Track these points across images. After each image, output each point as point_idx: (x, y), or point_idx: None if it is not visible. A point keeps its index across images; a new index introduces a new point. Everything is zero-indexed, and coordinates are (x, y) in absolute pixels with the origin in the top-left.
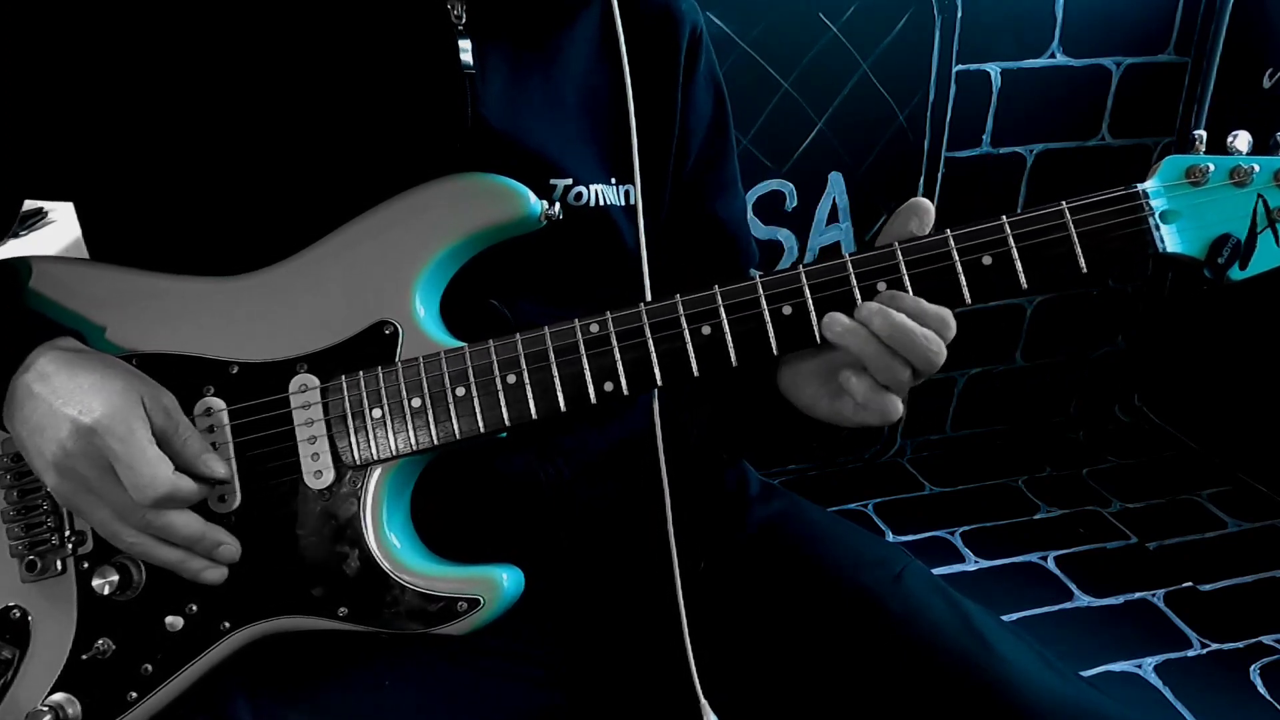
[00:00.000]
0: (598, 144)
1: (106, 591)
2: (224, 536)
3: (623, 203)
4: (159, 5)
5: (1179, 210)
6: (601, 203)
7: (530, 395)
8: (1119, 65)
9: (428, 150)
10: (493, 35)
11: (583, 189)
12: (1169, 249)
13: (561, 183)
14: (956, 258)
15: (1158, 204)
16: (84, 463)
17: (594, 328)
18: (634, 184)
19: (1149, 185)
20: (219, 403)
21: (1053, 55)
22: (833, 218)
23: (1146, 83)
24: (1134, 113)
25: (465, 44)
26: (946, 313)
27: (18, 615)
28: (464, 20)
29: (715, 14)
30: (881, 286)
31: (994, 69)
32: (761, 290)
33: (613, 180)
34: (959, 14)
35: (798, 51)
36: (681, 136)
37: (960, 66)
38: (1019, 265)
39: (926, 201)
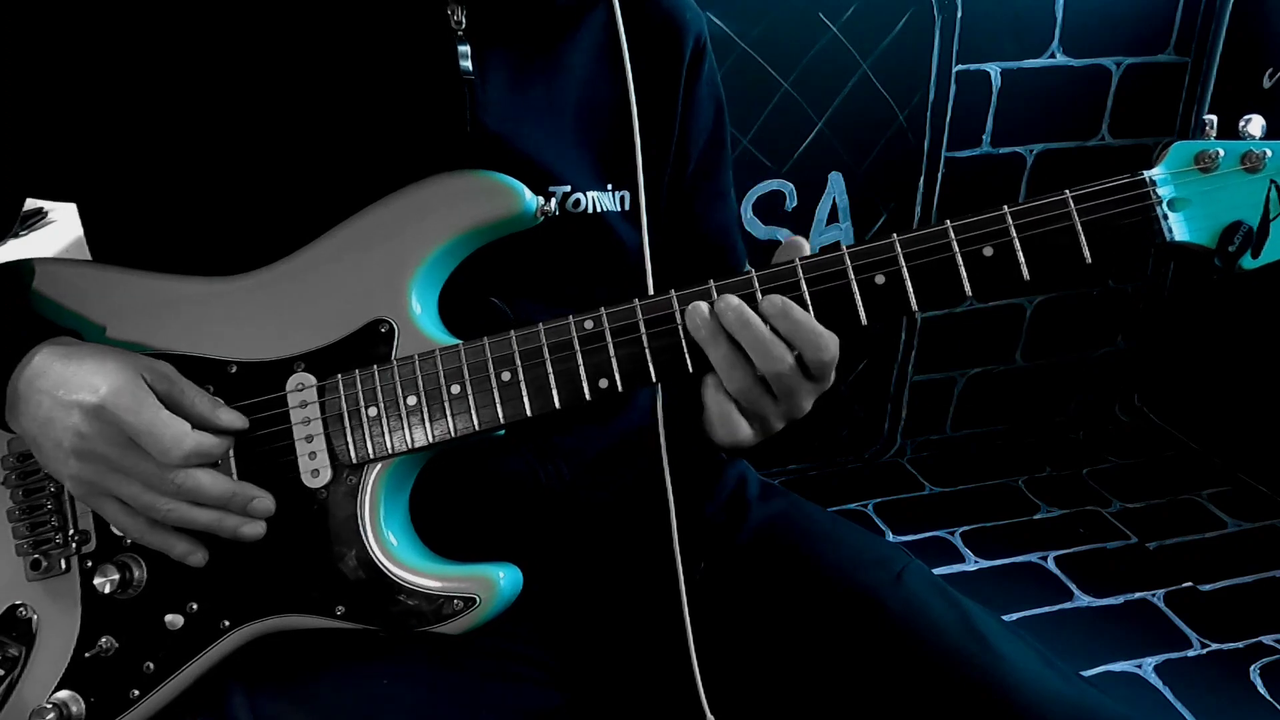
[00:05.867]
0: (596, 150)
1: (108, 590)
2: (256, 491)
3: (619, 208)
4: (161, 7)
5: (1187, 198)
6: (598, 209)
7: (525, 393)
8: (1119, 65)
9: (426, 155)
10: (493, 41)
11: (580, 196)
12: (1177, 238)
13: (560, 189)
14: (956, 249)
15: (1165, 192)
16: (102, 442)
17: (589, 324)
18: (632, 189)
19: (1156, 172)
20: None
21: (1053, 55)
22: (833, 218)
23: (1146, 83)
24: (1134, 113)
25: (465, 49)
26: (821, 332)
27: (24, 613)
28: (464, 26)
29: (715, 14)
30: (880, 279)
31: (994, 69)
32: (757, 285)
33: (609, 186)
34: (959, 14)
35: (798, 51)
36: (680, 144)
37: (960, 66)
38: (1021, 257)
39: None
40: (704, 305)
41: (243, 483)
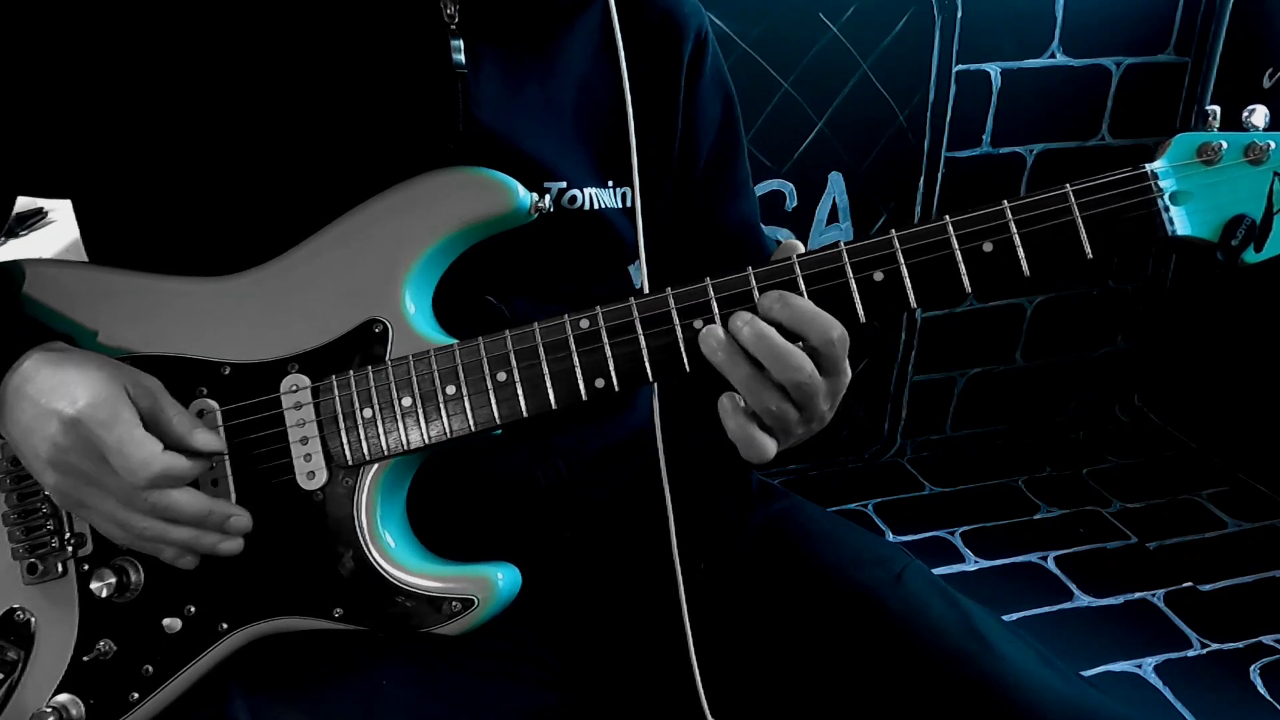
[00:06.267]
0: (594, 147)
1: (104, 594)
2: (232, 509)
3: (619, 205)
4: (153, 3)
5: (1190, 191)
6: (596, 206)
7: (521, 393)
8: (1119, 65)
9: (420, 151)
10: (487, 36)
11: (576, 192)
12: (1179, 232)
13: (555, 185)
14: (955, 245)
15: (1167, 185)
16: (77, 455)
17: (584, 323)
18: (631, 187)
19: (1157, 165)
20: (212, 404)
21: (1053, 55)
22: (833, 218)
23: (1146, 83)
24: (1134, 113)
25: (458, 44)
26: (822, 313)
27: (22, 618)
28: (456, 20)
29: (715, 14)
30: (878, 276)
31: (994, 69)
32: (755, 283)
33: (609, 183)
34: (959, 14)
35: (798, 51)
36: (686, 141)
37: (960, 66)
38: (1021, 252)
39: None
40: (718, 329)
41: (218, 500)
